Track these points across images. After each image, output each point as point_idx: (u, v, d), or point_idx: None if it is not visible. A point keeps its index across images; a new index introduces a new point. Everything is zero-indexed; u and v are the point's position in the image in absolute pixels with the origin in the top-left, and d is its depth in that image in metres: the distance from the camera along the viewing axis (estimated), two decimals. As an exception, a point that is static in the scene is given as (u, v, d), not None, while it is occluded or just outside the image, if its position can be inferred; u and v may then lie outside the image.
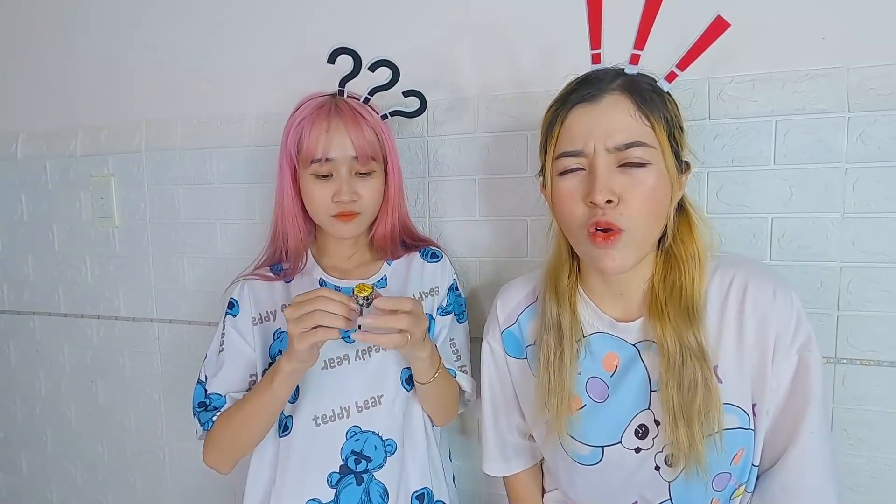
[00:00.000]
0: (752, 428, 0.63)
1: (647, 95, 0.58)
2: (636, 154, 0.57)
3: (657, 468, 0.64)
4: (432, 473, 0.82)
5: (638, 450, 0.64)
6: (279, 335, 0.80)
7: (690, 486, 0.62)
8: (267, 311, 0.82)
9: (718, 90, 0.81)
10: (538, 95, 0.88)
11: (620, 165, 0.58)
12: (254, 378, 0.81)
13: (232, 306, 0.83)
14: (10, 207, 1.28)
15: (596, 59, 0.63)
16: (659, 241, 0.65)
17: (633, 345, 0.66)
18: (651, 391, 0.64)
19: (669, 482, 0.64)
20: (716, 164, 0.82)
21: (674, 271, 0.63)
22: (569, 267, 0.69)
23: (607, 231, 0.58)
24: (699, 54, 0.60)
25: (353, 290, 0.67)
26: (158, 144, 1.13)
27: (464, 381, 0.83)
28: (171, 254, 1.15)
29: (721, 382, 0.62)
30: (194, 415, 0.80)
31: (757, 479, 0.66)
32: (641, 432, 0.64)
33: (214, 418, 0.77)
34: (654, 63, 0.63)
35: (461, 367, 0.83)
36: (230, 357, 0.80)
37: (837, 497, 0.61)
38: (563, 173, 0.61)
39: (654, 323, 0.62)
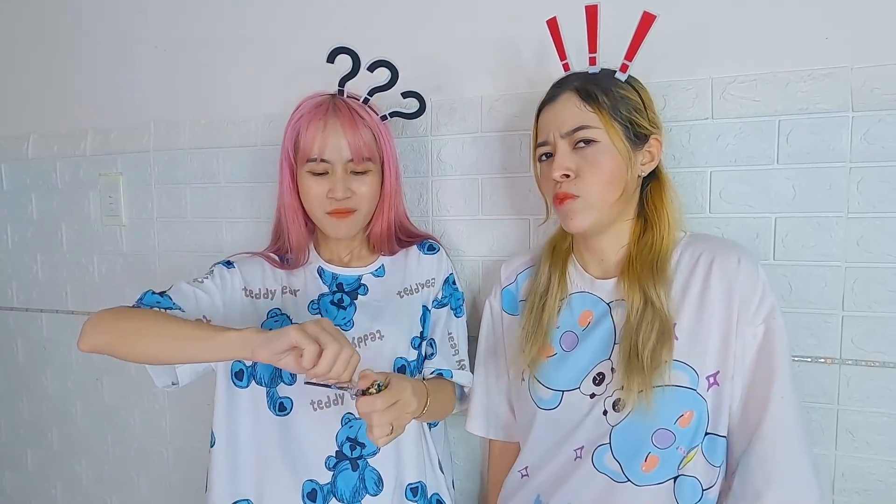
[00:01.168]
0: (702, 393, 0.67)
1: (590, 89, 0.69)
2: (582, 135, 0.69)
3: (605, 412, 0.70)
4: (428, 469, 0.82)
5: (593, 395, 0.71)
6: (274, 314, 0.81)
7: (629, 433, 0.68)
8: (266, 289, 0.83)
9: (721, 90, 0.81)
10: (538, 96, 0.88)
11: (574, 147, 0.70)
12: (205, 319, 0.77)
13: (229, 264, 0.84)
14: (21, 206, 1.30)
15: (565, 67, 0.75)
16: (638, 211, 0.74)
17: (607, 303, 0.74)
18: (614, 344, 0.71)
19: (613, 426, 0.69)
20: (719, 164, 0.82)
21: (647, 234, 0.72)
22: (569, 239, 0.80)
23: (565, 197, 0.70)
24: (638, 47, 0.70)
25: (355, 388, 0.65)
26: (166, 144, 1.15)
27: (461, 377, 0.83)
28: (178, 252, 1.16)
29: (677, 339, 0.68)
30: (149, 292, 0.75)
31: (728, 456, 0.69)
32: (598, 380, 0.71)
33: (152, 303, 0.72)
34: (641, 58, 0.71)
35: (459, 361, 0.84)
36: (200, 291, 0.78)
37: (810, 458, 0.66)
38: (539, 159, 0.75)
39: (624, 280, 0.72)
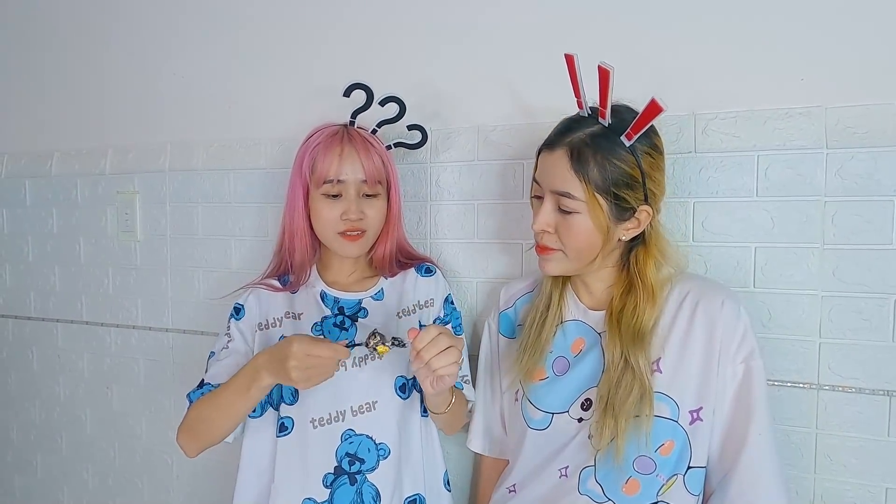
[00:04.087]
0: (683, 425, 0.70)
1: (584, 156, 0.69)
2: (565, 202, 0.71)
3: (590, 436, 0.73)
4: (427, 480, 0.86)
5: (580, 419, 0.75)
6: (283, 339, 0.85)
7: (612, 459, 0.71)
8: (273, 318, 0.88)
9: (703, 125, 0.86)
10: (532, 127, 0.93)
11: (559, 207, 0.72)
12: None
13: (238, 311, 0.90)
14: (42, 221, 1.36)
15: (579, 105, 0.74)
16: (623, 263, 0.77)
17: (598, 333, 0.77)
18: (602, 372, 0.74)
19: (597, 451, 0.72)
20: (701, 195, 0.86)
21: (632, 294, 0.74)
22: None
23: (543, 249, 0.75)
24: (643, 128, 0.68)
25: (374, 347, 0.74)
26: (181, 165, 1.21)
27: (468, 391, 0.87)
28: (188, 267, 1.22)
29: (661, 373, 0.71)
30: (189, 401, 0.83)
31: (706, 485, 0.73)
32: (586, 405, 0.75)
33: (200, 396, 0.81)
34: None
35: (463, 377, 0.88)
36: (230, 354, 0.85)
37: (786, 495, 0.70)
38: (533, 196, 0.77)
39: (607, 323, 0.75)
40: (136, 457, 1.30)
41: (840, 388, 0.82)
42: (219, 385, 0.80)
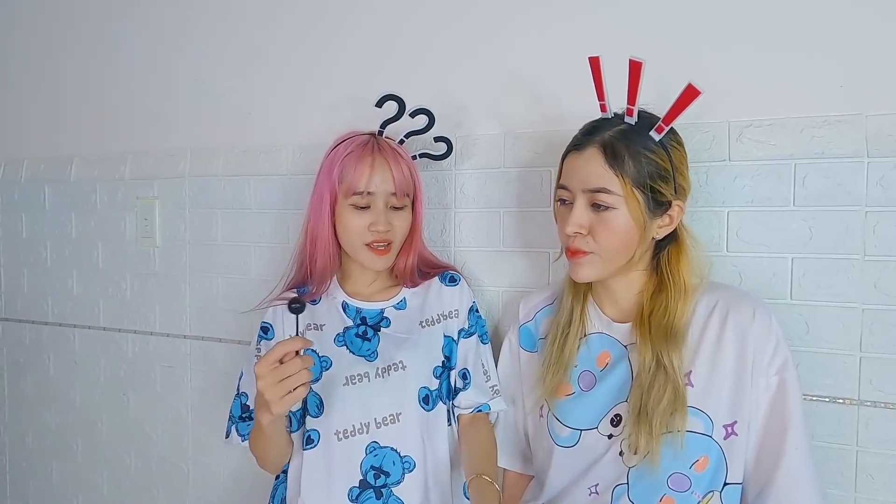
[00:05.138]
0: (717, 440, 0.68)
1: (618, 149, 0.68)
2: (601, 198, 0.69)
3: (621, 453, 0.71)
4: (456, 494, 0.84)
5: (610, 436, 0.72)
6: (308, 353, 0.84)
7: (646, 475, 0.69)
8: (297, 333, 0.86)
9: (738, 133, 0.84)
10: (559, 134, 0.91)
11: (592, 204, 0.70)
12: None
13: (266, 330, 0.89)
14: (61, 226, 1.36)
15: (602, 108, 0.74)
16: (653, 265, 0.75)
17: (624, 346, 0.75)
18: (631, 384, 0.72)
19: (630, 467, 0.70)
20: (736, 204, 0.84)
21: (663, 294, 0.72)
22: None
23: (576, 252, 0.72)
24: (678, 115, 0.68)
25: None
26: (201, 171, 1.21)
27: (497, 404, 0.87)
28: (207, 274, 1.21)
29: (692, 387, 0.69)
30: (231, 423, 0.87)
31: (743, 501, 0.70)
32: (616, 420, 0.72)
33: (249, 433, 0.84)
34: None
35: (492, 387, 0.87)
36: None
37: None
38: (558, 200, 0.75)
39: (637, 331, 0.73)
40: (151, 464, 1.29)
41: (882, 405, 0.79)
42: None
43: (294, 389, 0.68)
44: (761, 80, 0.83)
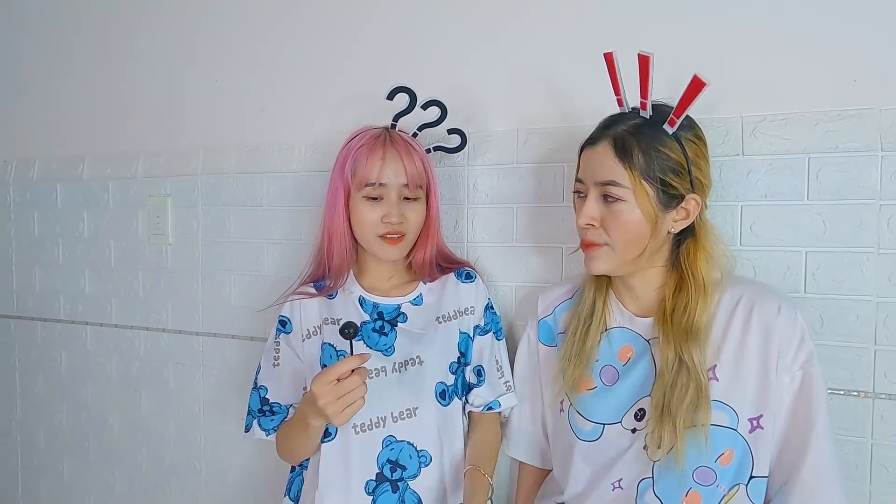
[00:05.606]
0: (742, 434, 0.69)
1: (628, 144, 0.69)
2: (611, 190, 0.70)
3: (645, 447, 0.71)
4: None
5: (634, 430, 0.73)
6: (325, 347, 0.85)
7: (671, 469, 0.69)
8: (314, 327, 0.87)
9: (752, 128, 0.84)
10: (573, 129, 0.92)
11: (604, 196, 0.71)
12: (305, 389, 0.86)
13: (284, 324, 0.89)
14: (73, 224, 1.37)
15: (619, 103, 0.74)
16: (672, 261, 0.75)
17: (647, 340, 0.75)
18: (654, 379, 0.72)
19: (654, 462, 0.71)
20: (749, 199, 0.85)
21: (684, 292, 0.72)
22: None
23: (590, 244, 0.73)
24: (687, 107, 0.69)
25: None
26: (213, 168, 1.21)
27: (508, 400, 0.87)
28: (220, 271, 1.22)
29: (717, 381, 0.70)
30: (251, 417, 0.88)
31: (767, 494, 0.70)
32: (640, 415, 0.73)
33: (276, 426, 0.85)
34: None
35: (506, 383, 0.88)
36: (286, 370, 0.86)
37: (847, 500, 0.68)
38: (575, 192, 0.77)
39: (660, 329, 0.73)
40: (163, 462, 1.29)
41: (897, 398, 0.79)
42: (285, 408, 0.88)
43: (353, 403, 0.70)
44: (775, 75, 0.83)
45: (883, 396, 0.80)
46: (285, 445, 0.85)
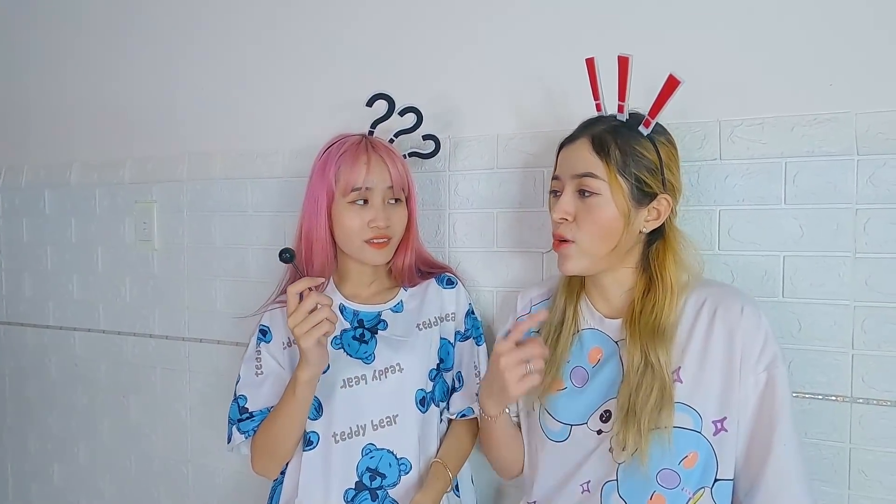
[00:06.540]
0: (706, 436, 0.69)
1: (605, 140, 0.71)
2: (587, 182, 0.71)
3: (611, 449, 0.72)
4: (452, 501, 0.84)
5: (600, 432, 0.73)
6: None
7: (636, 471, 0.69)
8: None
9: (729, 132, 0.84)
10: (553, 135, 0.92)
11: (579, 192, 0.72)
12: None
13: (265, 333, 0.89)
14: (61, 231, 1.38)
15: (598, 107, 0.76)
16: (643, 265, 0.76)
17: (616, 342, 0.76)
18: (621, 381, 0.73)
19: (619, 464, 0.71)
20: (727, 203, 0.85)
21: (652, 293, 0.73)
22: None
23: (562, 240, 0.74)
24: (662, 106, 0.70)
25: None
26: (199, 175, 1.22)
27: None
28: (206, 276, 1.22)
29: (681, 383, 0.70)
30: (231, 425, 0.85)
31: (733, 497, 0.70)
32: (605, 417, 0.73)
33: (256, 427, 0.84)
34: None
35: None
36: (268, 378, 0.86)
37: (813, 501, 0.68)
38: (551, 192, 0.78)
39: (627, 329, 0.73)
40: (152, 466, 1.30)
41: (875, 402, 0.79)
42: (265, 410, 0.84)
43: (318, 322, 0.71)
44: (751, 80, 0.83)
45: (861, 401, 0.80)
46: (267, 435, 0.82)
